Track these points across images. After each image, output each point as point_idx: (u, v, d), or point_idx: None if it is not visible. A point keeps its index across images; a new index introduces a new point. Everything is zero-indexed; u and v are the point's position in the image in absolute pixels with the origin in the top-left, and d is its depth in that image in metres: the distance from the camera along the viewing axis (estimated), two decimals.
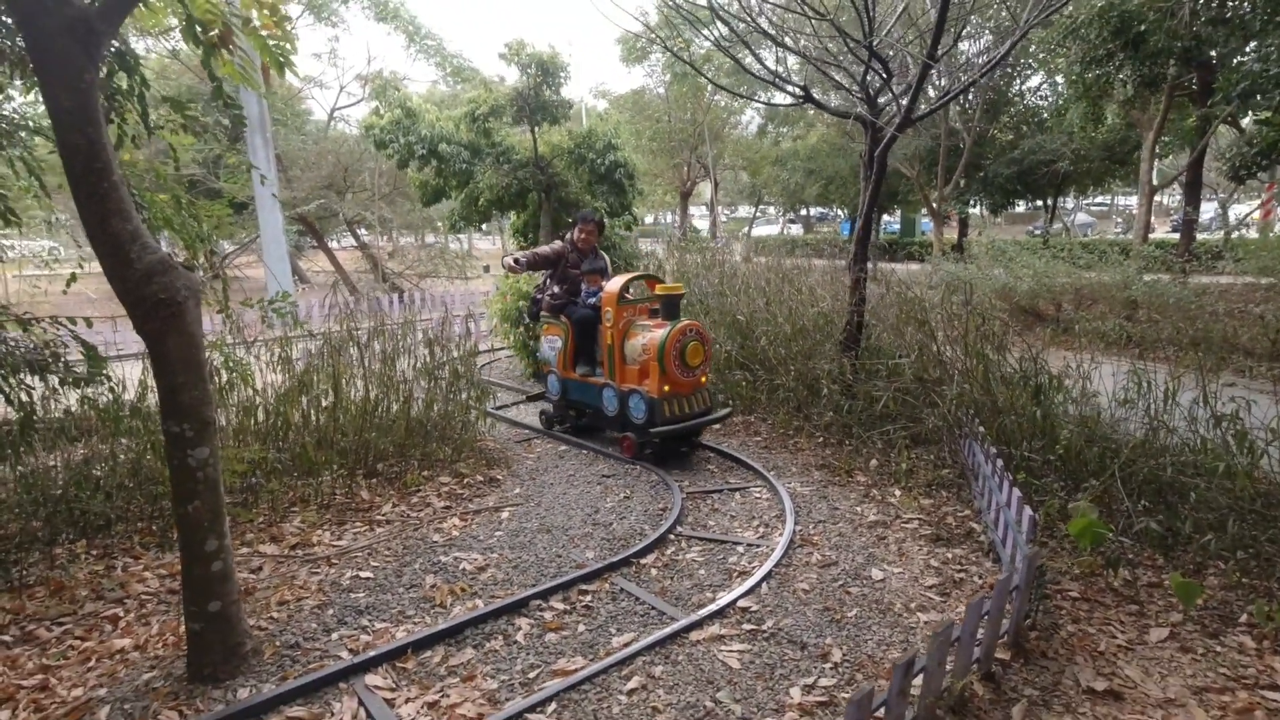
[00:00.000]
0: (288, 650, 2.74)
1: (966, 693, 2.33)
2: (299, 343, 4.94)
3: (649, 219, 41.68)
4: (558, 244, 5.62)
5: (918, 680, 2.14)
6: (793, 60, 5.78)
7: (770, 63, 6.05)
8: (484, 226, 11.92)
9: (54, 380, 3.12)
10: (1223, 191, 21.64)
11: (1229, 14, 6.92)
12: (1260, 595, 2.83)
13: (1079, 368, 4.32)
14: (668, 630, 2.78)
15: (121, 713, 2.39)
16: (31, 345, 3.00)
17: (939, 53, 4.59)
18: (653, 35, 7.44)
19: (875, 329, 5.78)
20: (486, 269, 20.78)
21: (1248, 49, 6.68)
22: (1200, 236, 17.22)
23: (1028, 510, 2.83)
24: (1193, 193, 11.88)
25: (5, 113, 3.89)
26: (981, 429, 4.02)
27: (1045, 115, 15.51)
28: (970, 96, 15.28)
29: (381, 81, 10.64)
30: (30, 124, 3.95)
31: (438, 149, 8.77)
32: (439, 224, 18.40)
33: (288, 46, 3.56)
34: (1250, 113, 8.09)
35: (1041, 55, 11.87)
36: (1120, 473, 3.44)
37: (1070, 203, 31.94)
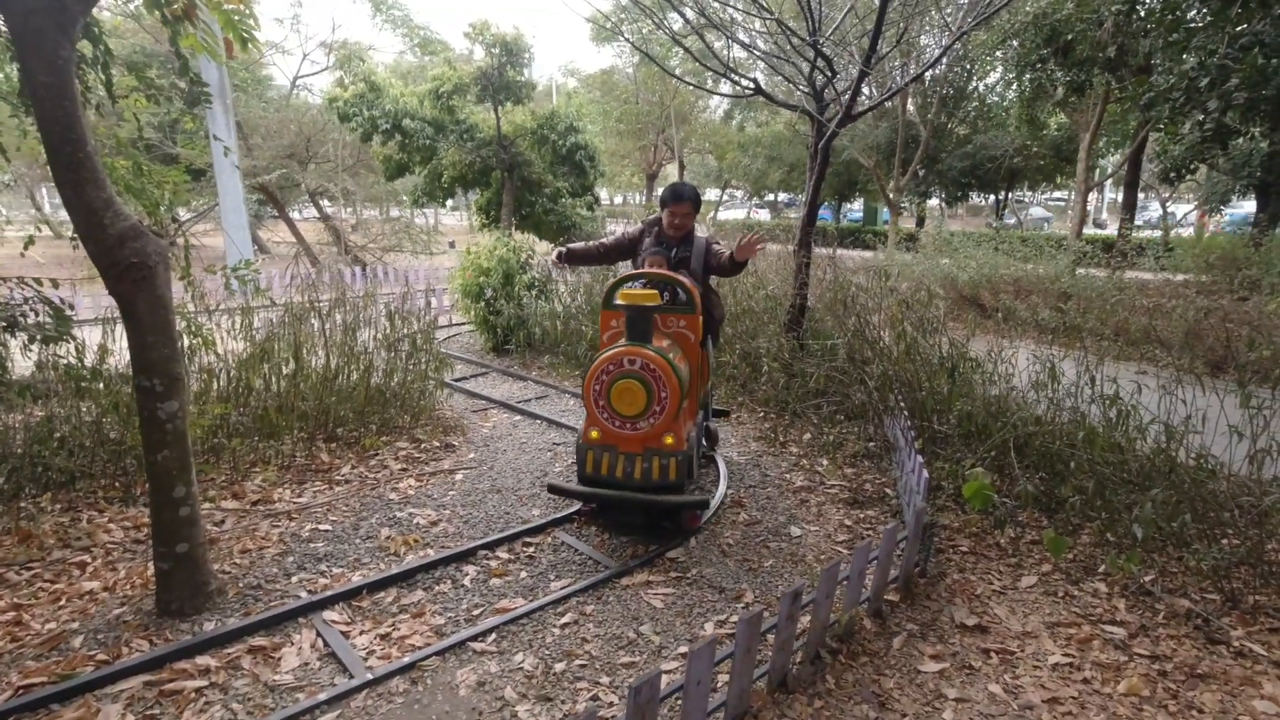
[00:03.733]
0: (250, 591, 2.98)
1: (855, 626, 2.68)
2: (261, 312, 5.10)
3: (617, 200, 41.71)
4: (632, 228, 4.50)
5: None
6: (754, 52, 6.04)
7: (726, 54, 6.30)
8: (449, 202, 12.01)
9: (22, 339, 3.25)
10: (1163, 191, 22.63)
11: (1150, 28, 7.43)
12: (1118, 549, 3.25)
13: (999, 352, 4.73)
14: (601, 576, 3.09)
15: (95, 641, 2.61)
16: (5, 303, 3.14)
17: (877, 56, 4.89)
18: (611, 23, 7.60)
19: (818, 312, 6.14)
20: (452, 244, 20.74)
21: (1159, 63, 7.22)
22: (1147, 234, 18.07)
23: (924, 473, 3.20)
24: (1130, 192, 12.52)
25: None
26: (901, 404, 4.40)
27: (997, 113, 16.16)
28: (927, 90, 15.73)
29: (346, 51, 10.59)
30: None
31: (401, 124, 8.84)
32: (404, 198, 18.32)
33: (251, 21, 3.71)
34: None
35: (985, 56, 12.37)
36: (1015, 444, 3.84)
37: (1027, 196, 32.99)
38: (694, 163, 30.55)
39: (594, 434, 3.39)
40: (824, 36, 5.06)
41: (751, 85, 5.58)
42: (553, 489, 3.53)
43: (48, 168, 2.49)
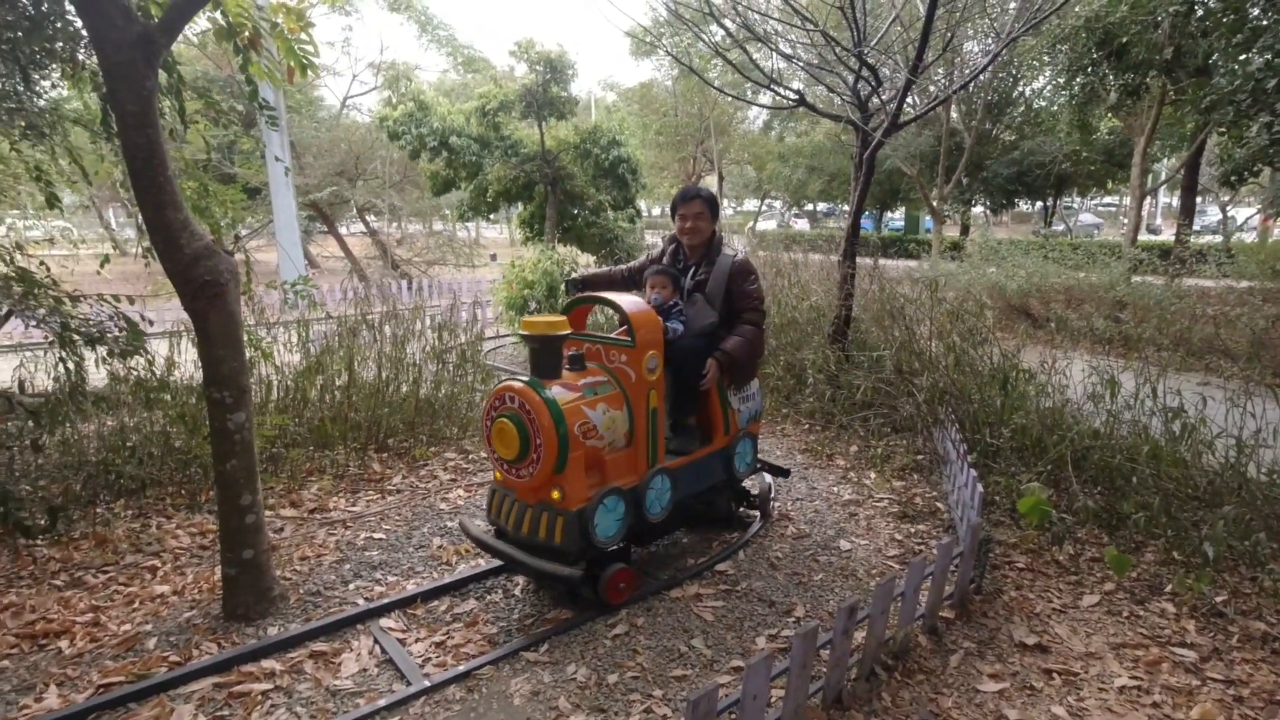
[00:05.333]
0: (310, 597, 3.07)
1: (910, 643, 2.64)
2: (316, 324, 5.28)
3: (655, 211, 41.89)
4: (657, 249, 3.85)
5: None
6: (794, 63, 6.07)
7: (768, 65, 6.32)
8: (491, 216, 12.29)
9: (102, 352, 3.43)
10: (1223, 195, 21.79)
11: (1209, 28, 7.18)
12: (1185, 568, 3.13)
13: (1052, 363, 4.62)
14: (650, 588, 3.10)
15: (167, 644, 2.72)
16: (87, 319, 3.32)
17: (924, 64, 4.85)
18: (652, 36, 7.69)
19: (863, 323, 6.07)
20: (493, 257, 21.13)
21: (1220, 64, 6.97)
22: (1206, 239, 17.43)
23: (979, 487, 3.14)
24: (1187, 196, 12.09)
25: (41, 104, 4.21)
26: (951, 416, 4.32)
27: (1045, 118, 15.81)
28: (971, 96, 15.48)
29: (394, 71, 10.91)
30: (71, 115, 4.26)
31: (449, 141, 9.08)
32: (447, 212, 18.74)
33: (309, 47, 3.87)
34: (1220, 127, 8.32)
35: (1033, 62, 12.11)
36: (1073, 458, 3.74)
37: (1076, 202, 32.10)
38: (732, 174, 30.52)
39: (498, 473, 3.02)
40: (869, 46, 5.03)
41: (795, 96, 5.58)
42: (463, 526, 3.20)
43: (118, 189, 2.65)
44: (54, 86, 3.78)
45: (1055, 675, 2.54)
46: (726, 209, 33.62)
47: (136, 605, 3.02)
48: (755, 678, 1.93)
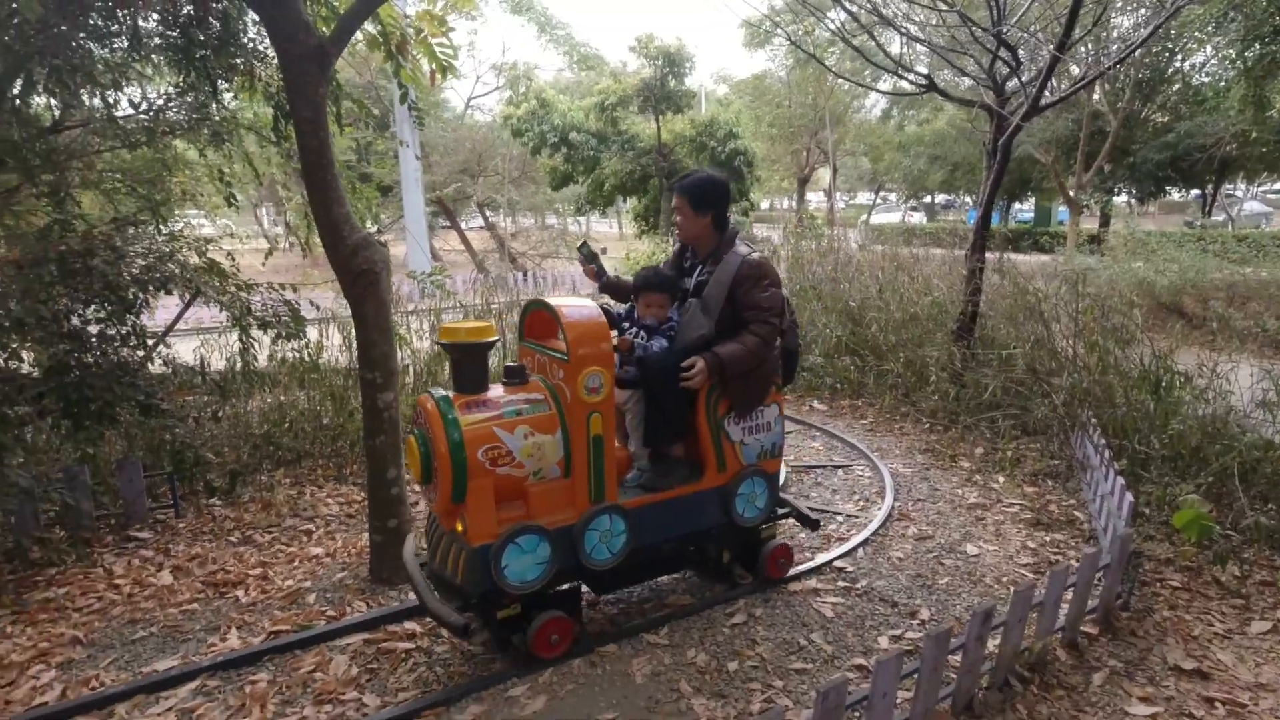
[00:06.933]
0: None
1: (1048, 656, 2.50)
2: (446, 313, 5.62)
3: (764, 204, 41.21)
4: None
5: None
6: (918, 46, 5.81)
7: (894, 49, 6.09)
8: (605, 210, 12.56)
9: (270, 335, 3.83)
10: None
11: None
12: None
13: (1213, 366, 4.21)
14: (751, 587, 3.09)
15: (324, 599, 3.01)
16: (263, 305, 3.72)
17: (1072, 40, 4.52)
18: (775, 21, 7.58)
19: (990, 319, 5.75)
20: (604, 251, 21.56)
21: None
22: None
23: (1128, 495, 2.92)
24: None
25: (220, 115, 4.71)
26: (1093, 420, 4.03)
27: (1207, 95, 14.19)
28: (1119, 74, 14.19)
29: (515, 72, 11.35)
30: (245, 123, 4.74)
31: (568, 137, 9.39)
32: (559, 207, 19.33)
33: (450, 52, 4.11)
34: None
35: (1196, 34, 10.87)
36: (1240, 470, 3.40)
37: (1240, 190, 28.76)
38: (846, 165, 29.53)
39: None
40: (1009, 24, 4.74)
41: (924, 81, 5.35)
42: (405, 543, 2.90)
43: (278, 189, 2.93)
44: (235, 98, 4.22)
45: (1218, 705, 2.33)
46: (839, 202, 32.55)
47: (297, 564, 3.36)
48: (884, 675, 1.90)
